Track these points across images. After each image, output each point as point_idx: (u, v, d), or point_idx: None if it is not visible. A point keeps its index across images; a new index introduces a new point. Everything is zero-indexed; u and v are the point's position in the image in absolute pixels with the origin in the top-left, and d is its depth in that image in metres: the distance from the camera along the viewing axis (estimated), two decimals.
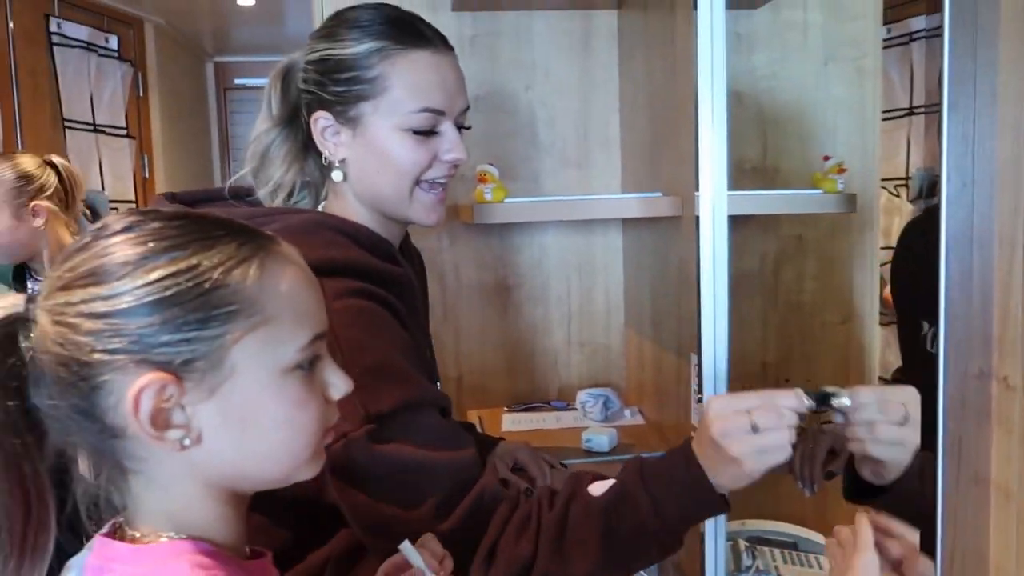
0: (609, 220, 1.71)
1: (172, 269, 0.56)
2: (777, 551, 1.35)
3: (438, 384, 1.10)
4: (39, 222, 1.78)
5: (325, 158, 0.95)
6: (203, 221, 0.61)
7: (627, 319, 1.73)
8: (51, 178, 1.84)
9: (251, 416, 0.59)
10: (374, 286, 0.88)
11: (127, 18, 3.15)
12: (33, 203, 1.78)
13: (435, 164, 0.93)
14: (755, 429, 0.77)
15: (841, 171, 1.43)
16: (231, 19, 3.62)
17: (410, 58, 0.90)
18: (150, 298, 0.55)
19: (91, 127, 2.93)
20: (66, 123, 2.82)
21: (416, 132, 0.91)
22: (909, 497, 0.82)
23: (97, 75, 2.95)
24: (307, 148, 0.98)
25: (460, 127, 0.95)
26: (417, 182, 0.93)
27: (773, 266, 1.73)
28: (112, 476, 0.62)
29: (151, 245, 0.57)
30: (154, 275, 0.56)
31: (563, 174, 1.70)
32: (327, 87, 0.92)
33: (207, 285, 0.57)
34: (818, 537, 1.36)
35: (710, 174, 1.10)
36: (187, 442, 0.58)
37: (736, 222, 1.65)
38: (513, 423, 1.58)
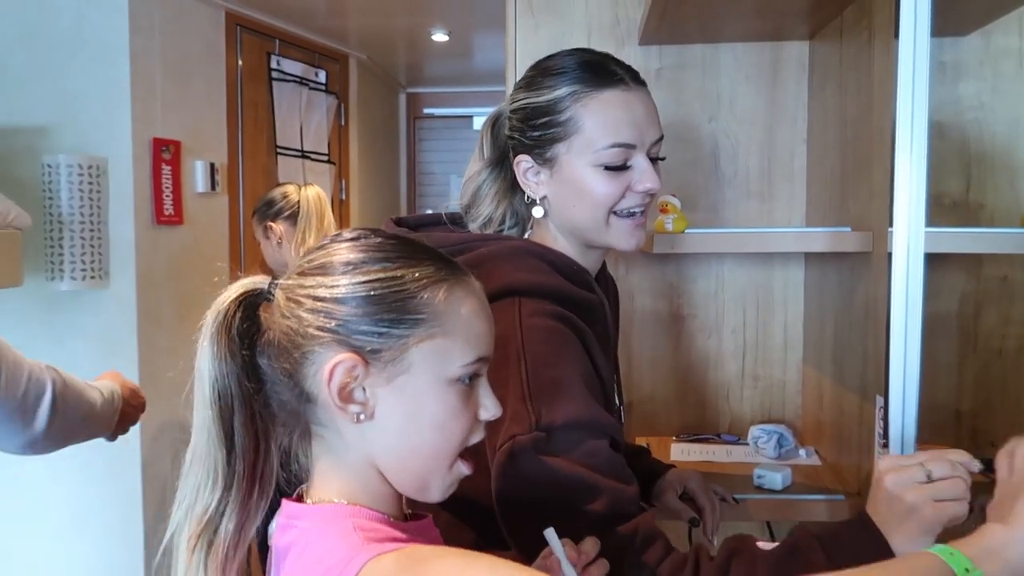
0: (790, 254, 1.67)
1: (381, 276, 0.68)
2: None
3: (620, 411, 1.11)
4: (274, 241, 2.29)
5: (528, 196, 1.02)
6: (414, 244, 0.73)
7: (806, 355, 1.67)
8: (291, 202, 2.29)
9: (415, 410, 0.69)
10: (568, 310, 0.94)
11: (335, 54, 3.45)
12: (269, 223, 2.27)
13: (628, 195, 0.97)
14: (929, 478, 0.76)
15: None
16: (425, 53, 3.87)
17: (600, 98, 0.95)
18: (359, 294, 0.67)
19: (299, 153, 3.23)
20: (279, 149, 3.12)
21: (608, 167, 0.95)
22: None
23: (307, 106, 3.25)
24: (514, 187, 1.06)
25: (654, 159, 0.99)
26: (613, 212, 0.97)
27: (974, 309, 1.61)
28: (301, 437, 0.73)
29: (369, 254, 0.70)
30: (367, 277, 0.68)
31: (745, 205, 1.68)
32: (526, 132, 0.99)
33: (405, 294, 0.68)
34: None
35: (906, 209, 1.06)
36: (362, 417, 0.68)
37: (932, 260, 1.57)
38: (682, 453, 1.57)
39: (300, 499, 0.73)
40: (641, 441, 1.66)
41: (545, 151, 0.98)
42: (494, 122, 1.07)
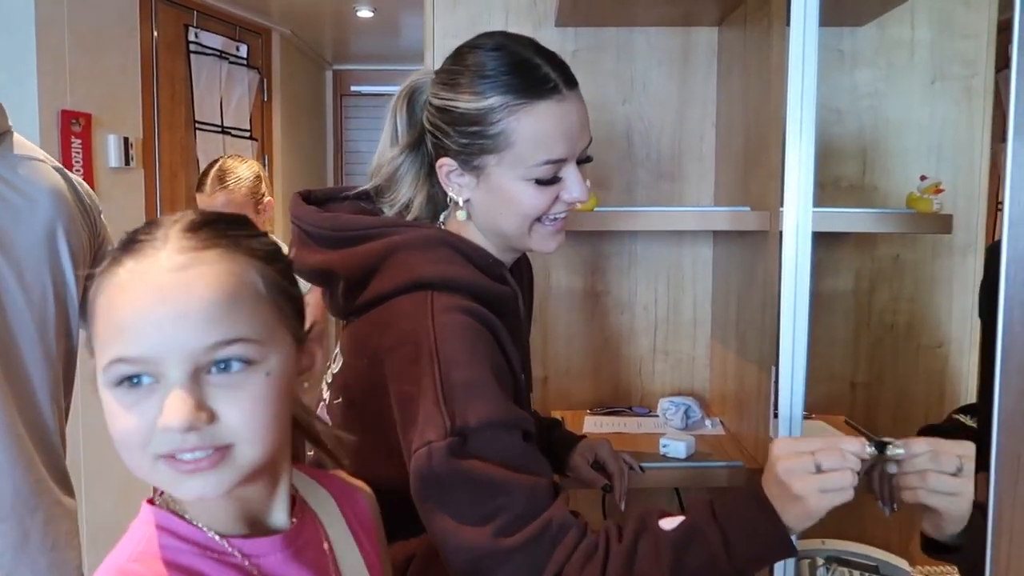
0: (699, 232, 1.74)
1: None
2: (856, 572, 1.34)
3: (530, 405, 1.10)
4: (268, 216, 2.26)
5: (450, 197, 0.99)
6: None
7: (713, 331, 1.74)
8: (264, 176, 2.29)
9: None
10: (480, 304, 0.92)
11: (257, 28, 3.38)
12: (267, 199, 2.25)
13: (556, 204, 0.95)
14: (818, 468, 0.80)
15: (938, 191, 1.41)
16: (351, 30, 3.82)
17: (533, 112, 0.90)
18: None
19: (219, 129, 3.16)
20: (197, 124, 3.05)
21: (538, 181, 0.93)
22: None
23: (227, 80, 3.18)
24: (431, 172, 1.01)
25: (582, 161, 0.97)
26: (537, 219, 0.96)
27: (868, 285, 1.71)
28: None
29: None
30: None
31: (656, 186, 1.74)
32: (451, 136, 0.94)
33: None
34: (901, 563, 1.33)
35: (796, 189, 1.11)
36: None
37: (830, 239, 1.66)
38: (595, 426, 1.63)
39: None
40: (556, 414, 1.71)
41: (472, 160, 0.94)
42: (408, 99, 1.01)
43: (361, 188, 1.07)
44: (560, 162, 0.93)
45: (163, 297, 0.59)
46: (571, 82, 0.94)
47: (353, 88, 4.44)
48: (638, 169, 1.73)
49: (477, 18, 1.71)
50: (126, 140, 2.66)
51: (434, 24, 1.73)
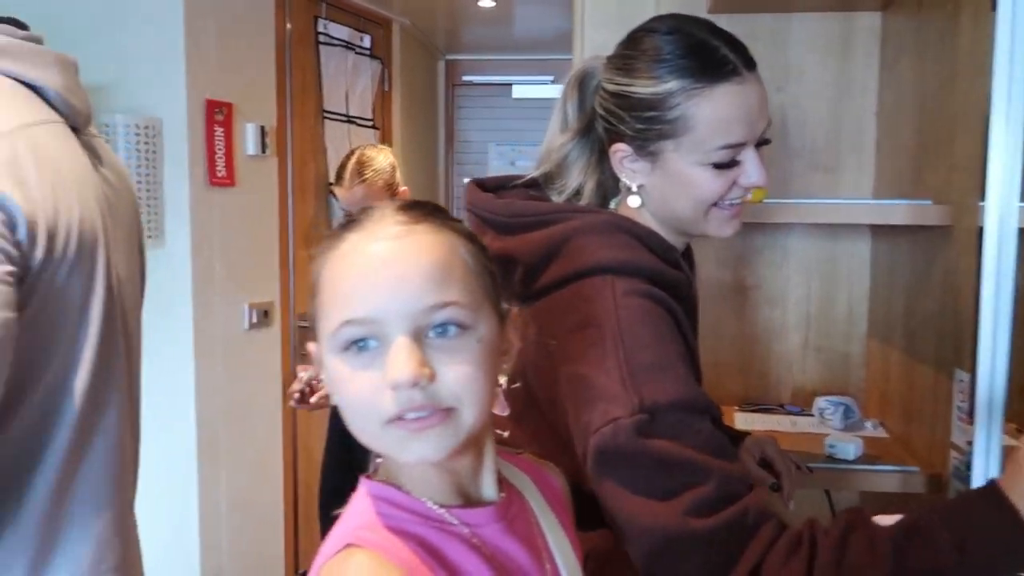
0: (857, 227, 1.68)
1: None
2: None
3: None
4: None
5: (623, 183, 0.98)
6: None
7: (871, 328, 1.68)
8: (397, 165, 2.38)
9: (333, 385, 0.67)
10: (660, 290, 0.92)
11: (379, 19, 3.44)
12: (401, 188, 2.33)
13: (733, 188, 0.93)
14: None
15: None
16: (466, 19, 3.84)
17: (714, 96, 0.89)
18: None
19: (345, 118, 3.24)
20: (325, 114, 3.13)
21: (716, 165, 0.91)
22: None
23: (353, 71, 3.25)
24: (602, 158, 1.01)
25: (761, 143, 0.94)
26: (714, 204, 0.94)
27: None
28: None
29: None
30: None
31: (811, 177, 1.68)
32: (626, 122, 0.93)
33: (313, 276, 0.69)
34: None
35: (999, 183, 1.06)
36: (331, 393, 0.69)
37: None
38: (745, 422, 1.59)
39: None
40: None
41: (648, 145, 0.93)
42: (579, 84, 1.01)
43: (529, 176, 1.08)
44: (739, 146, 0.91)
45: (385, 261, 0.62)
46: (750, 64, 0.92)
47: (464, 78, 4.47)
48: (793, 160, 1.68)
49: (626, 7, 1.69)
50: (262, 129, 2.75)
51: (583, 15, 1.72)
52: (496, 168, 4.30)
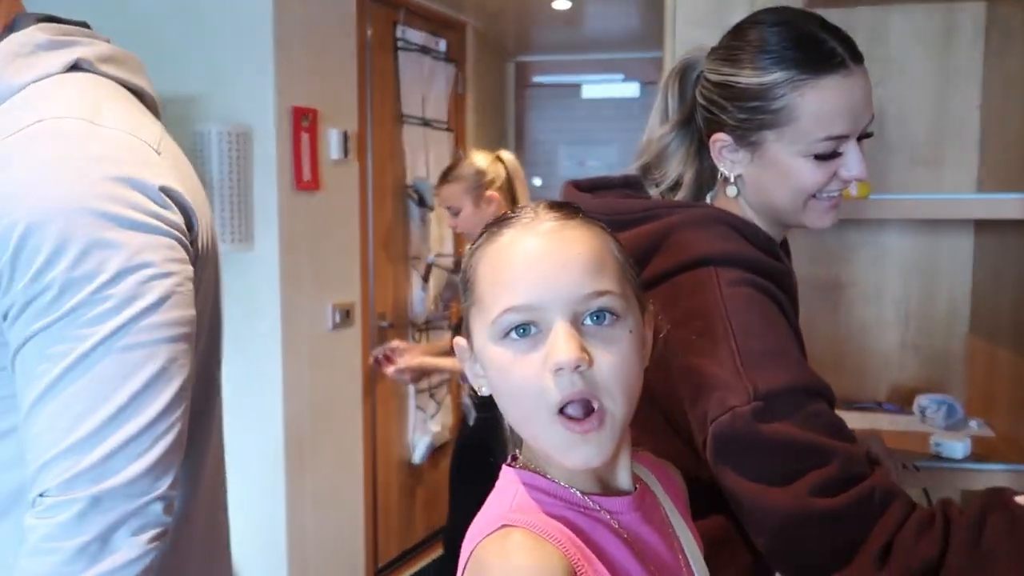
0: (959, 222, 1.64)
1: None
2: None
3: None
4: (492, 209, 2.25)
5: (721, 173, 0.99)
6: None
7: (974, 325, 1.64)
8: (500, 172, 2.34)
9: (491, 374, 0.70)
10: (763, 279, 0.92)
11: (453, 23, 3.49)
12: (487, 192, 2.29)
13: (833, 181, 0.93)
14: None
15: None
16: (538, 20, 3.87)
17: (818, 87, 0.89)
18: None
19: (421, 121, 3.29)
20: (404, 118, 3.19)
21: (817, 156, 0.91)
22: None
23: (429, 75, 3.31)
24: (701, 149, 1.02)
25: (863, 137, 0.94)
26: (813, 196, 0.94)
27: None
28: None
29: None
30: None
31: (911, 172, 1.66)
32: (728, 111, 0.94)
33: (465, 268, 0.72)
34: None
35: None
36: (484, 389, 0.72)
37: None
38: None
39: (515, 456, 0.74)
40: None
41: (749, 135, 0.93)
42: (681, 77, 1.02)
43: (623, 174, 1.09)
44: (841, 138, 0.91)
45: (546, 251, 0.66)
46: (857, 57, 0.92)
47: (534, 79, 4.50)
48: (892, 155, 1.66)
49: (720, 3, 1.69)
50: (345, 133, 2.83)
51: (675, 12, 1.72)
52: (566, 168, 4.32)
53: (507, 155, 2.41)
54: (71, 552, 0.71)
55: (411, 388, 3.32)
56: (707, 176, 1.04)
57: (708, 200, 1.04)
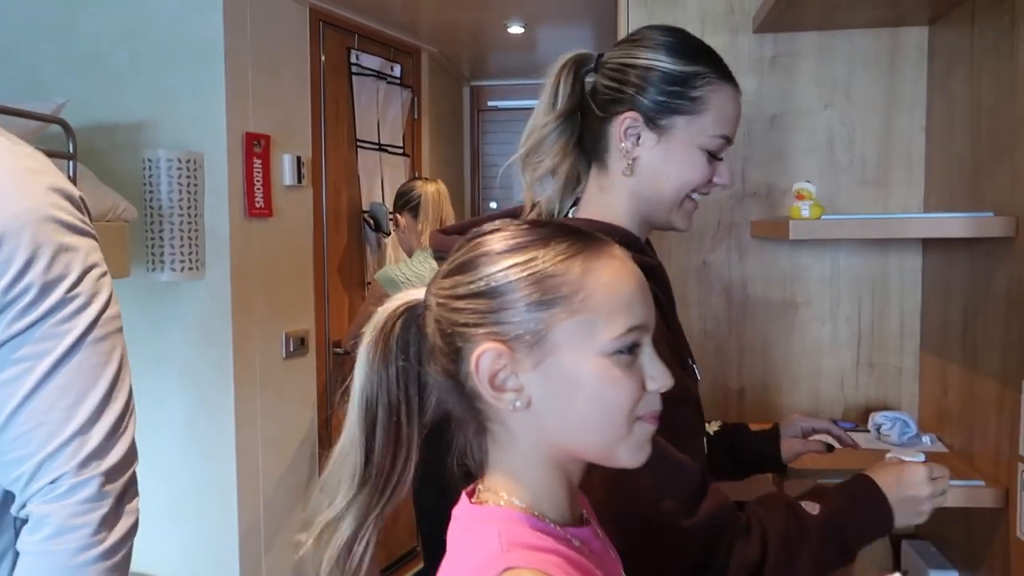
0: (907, 241, 1.67)
1: (514, 261, 0.68)
2: None
3: (693, 365, 1.11)
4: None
5: (610, 156, 1.03)
6: (548, 225, 0.72)
7: (925, 342, 1.67)
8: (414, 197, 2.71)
9: (571, 389, 0.67)
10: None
11: (409, 48, 3.49)
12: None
13: (706, 184, 1.03)
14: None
15: None
16: (493, 45, 3.89)
17: (725, 91, 1.01)
18: (496, 284, 0.68)
19: (377, 146, 3.27)
20: (358, 143, 3.17)
21: (709, 153, 1.01)
22: None
23: (384, 100, 3.29)
24: (578, 143, 1.07)
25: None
26: (690, 194, 1.04)
27: None
28: (474, 434, 0.73)
29: (503, 243, 0.70)
30: (499, 266, 0.68)
31: (860, 193, 1.68)
32: (646, 92, 0.99)
33: (540, 275, 0.67)
34: None
35: None
36: (518, 404, 0.68)
37: None
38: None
39: (472, 494, 0.73)
40: (755, 428, 1.67)
41: (661, 118, 1.00)
42: (574, 68, 1.05)
43: (501, 211, 1.18)
44: (726, 142, 1.02)
45: (641, 275, 0.71)
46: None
47: (490, 103, 4.52)
48: (840, 176, 1.68)
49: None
50: (298, 159, 2.79)
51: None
52: (522, 192, 4.32)
53: (431, 185, 2.76)
54: (95, 524, 0.83)
55: None
56: (582, 168, 1.08)
57: (577, 195, 1.09)
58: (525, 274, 0.67)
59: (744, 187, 1.71)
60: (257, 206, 2.65)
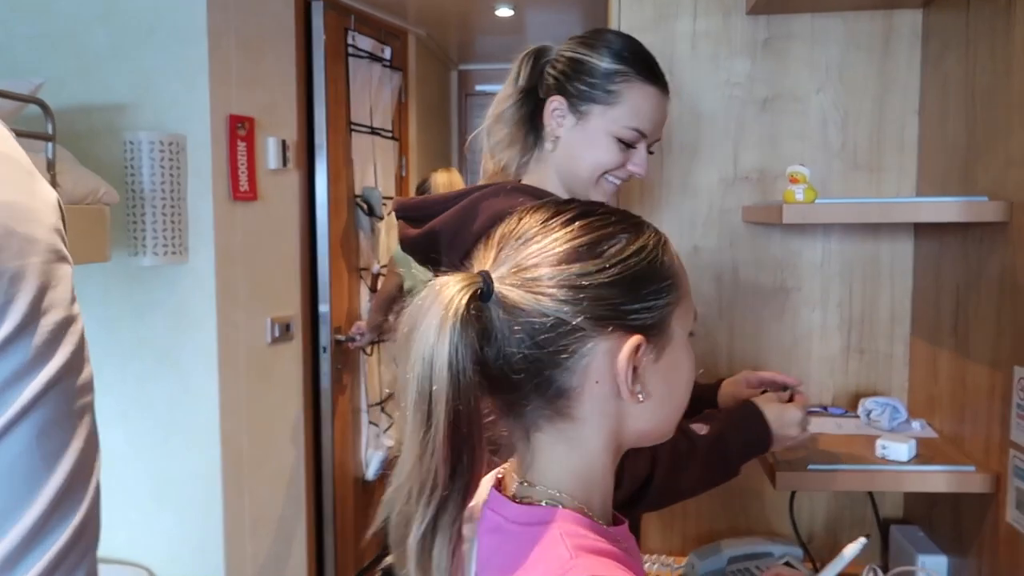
0: (899, 226, 1.66)
1: (631, 250, 0.65)
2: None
3: None
4: None
5: (544, 133, 1.19)
6: (613, 211, 0.70)
7: (915, 328, 1.66)
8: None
9: (675, 376, 0.68)
10: None
11: (397, 31, 3.44)
12: None
13: (620, 169, 1.18)
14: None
15: None
16: (481, 29, 3.85)
17: (643, 89, 1.16)
18: (623, 274, 0.64)
19: (370, 130, 3.23)
20: (352, 126, 3.12)
21: (620, 141, 1.16)
22: None
23: (378, 83, 3.25)
24: (532, 117, 1.22)
25: (650, 151, 1.21)
26: (605, 176, 1.18)
27: None
28: (527, 430, 0.68)
29: (600, 232, 0.66)
30: (621, 256, 0.65)
31: (853, 176, 1.67)
32: (572, 81, 1.16)
33: (655, 263, 0.66)
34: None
35: None
36: (642, 397, 0.65)
37: None
38: None
39: (500, 484, 0.71)
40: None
41: (581, 104, 1.16)
42: (536, 55, 1.23)
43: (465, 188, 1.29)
44: (640, 134, 1.16)
45: None
46: (667, 90, 1.21)
47: (477, 88, 4.47)
48: (834, 160, 1.67)
49: (665, 8, 1.68)
50: (283, 142, 2.75)
51: (620, 19, 1.71)
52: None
53: (442, 174, 2.87)
54: None
55: (363, 403, 3.25)
56: (531, 146, 1.23)
57: (526, 161, 1.24)
58: (644, 263, 0.65)
59: (735, 171, 1.70)
60: (242, 190, 2.61)
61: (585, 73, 1.15)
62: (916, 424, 1.55)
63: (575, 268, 0.64)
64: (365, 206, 3.14)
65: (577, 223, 0.67)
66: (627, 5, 1.69)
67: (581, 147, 1.17)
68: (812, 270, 1.70)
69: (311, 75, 2.92)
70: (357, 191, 3.16)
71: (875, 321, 1.69)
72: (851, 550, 1.01)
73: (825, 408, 1.67)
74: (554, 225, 0.67)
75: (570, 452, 0.68)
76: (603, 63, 1.15)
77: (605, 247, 0.65)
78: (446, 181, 2.82)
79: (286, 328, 2.81)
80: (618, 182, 1.19)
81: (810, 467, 1.36)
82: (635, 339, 0.64)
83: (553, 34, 4.12)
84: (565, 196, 1.15)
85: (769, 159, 1.69)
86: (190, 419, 2.55)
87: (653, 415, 0.68)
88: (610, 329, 0.64)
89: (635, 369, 0.65)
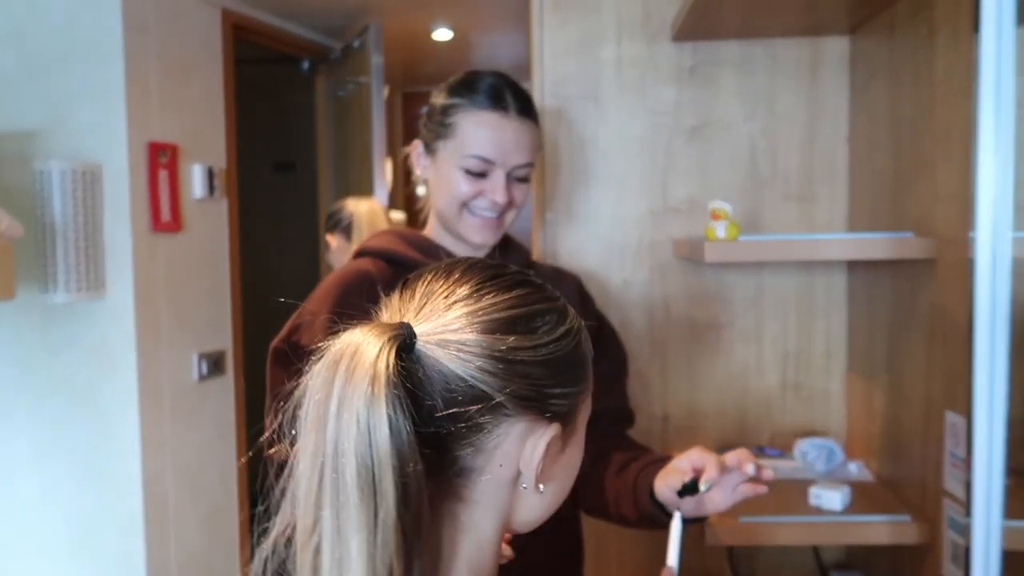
0: (833, 260, 1.60)
1: (562, 331, 0.60)
2: None
3: None
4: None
5: (418, 172, 1.21)
6: (545, 287, 0.63)
7: (851, 364, 1.60)
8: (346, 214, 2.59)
9: (571, 469, 0.64)
10: (393, 268, 1.14)
11: (330, 54, 3.35)
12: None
13: (480, 199, 1.14)
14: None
15: None
16: (420, 52, 3.78)
17: (475, 116, 1.13)
18: (554, 355, 0.58)
19: None
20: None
21: (468, 171, 1.13)
22: None
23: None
24: None
25: (518, 179, 1.15)
26: (467, 209, 1.15)
27: None
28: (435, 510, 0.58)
29: (533, 307, 0.60)
30: (552, 336, 0.59)
31: (784, 208, 1.61)
32: (424, 124, 1.20)
33: (577, 346, 0.61)
34: None
35: (990, 213, 0.99)
36: (542, 488, 0.60)
37: None
38: None
39: None
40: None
41: (432, 143, 1.17)
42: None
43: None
44: (488, 162, 1.12)
45: None
46: (525, 112, 1.15)
47: (422, 111, 4.40)
48: (763, 190, 1.61)
49: (589, 33, 1.62)
50: (210, 170, 2.63)
51: (543, 44, 1.64)
52: None
53: (363, 203, 2.62)
54: None
55: None
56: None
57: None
58: (571, 346, 0.60)
59: (664, 202, 1.63)
60: (163, 220, 2.49)
61: (430, 114, 1.19)
62: (853, 466, 1.49)
63: (510, 340, 0.57)
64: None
65: (515, 292, 0.60)
66: (550, 31, 1.63)
67: (437, 184, 1.18)
68: (745, 304, 1.63)
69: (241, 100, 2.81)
70: None
71: (811, 356, 1.63)
72: (675, 527, 0.99)
73: (762, 449, 1.60)
74: (489, 289, 0.59)
75: (465, 540, 0.60)
76: (439, 100, 1.17)
77: (539, 323, 0.59)
78: (368, 212, 2.59)
79: (215, 364, 2.68)
80: (489, 214, 1.15)
81: (741, 519, 1.28)
82: (554, 428, 0.59)
83: (497, 57, 4.08)
84: (443, 235, 1.19)
85: (699, 189, 1.62)
86: (110, 463, 2.40)
87: (542, 505, 0.63)
88: (530, 413, 0.58)
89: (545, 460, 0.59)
